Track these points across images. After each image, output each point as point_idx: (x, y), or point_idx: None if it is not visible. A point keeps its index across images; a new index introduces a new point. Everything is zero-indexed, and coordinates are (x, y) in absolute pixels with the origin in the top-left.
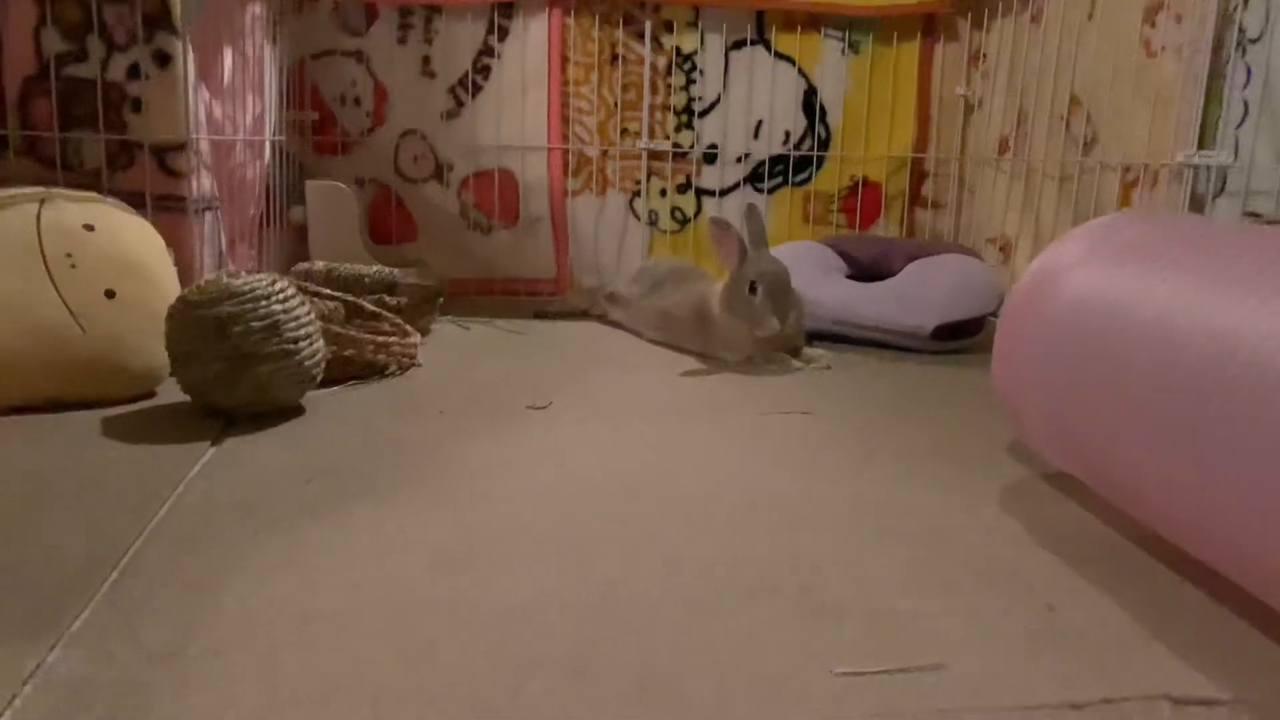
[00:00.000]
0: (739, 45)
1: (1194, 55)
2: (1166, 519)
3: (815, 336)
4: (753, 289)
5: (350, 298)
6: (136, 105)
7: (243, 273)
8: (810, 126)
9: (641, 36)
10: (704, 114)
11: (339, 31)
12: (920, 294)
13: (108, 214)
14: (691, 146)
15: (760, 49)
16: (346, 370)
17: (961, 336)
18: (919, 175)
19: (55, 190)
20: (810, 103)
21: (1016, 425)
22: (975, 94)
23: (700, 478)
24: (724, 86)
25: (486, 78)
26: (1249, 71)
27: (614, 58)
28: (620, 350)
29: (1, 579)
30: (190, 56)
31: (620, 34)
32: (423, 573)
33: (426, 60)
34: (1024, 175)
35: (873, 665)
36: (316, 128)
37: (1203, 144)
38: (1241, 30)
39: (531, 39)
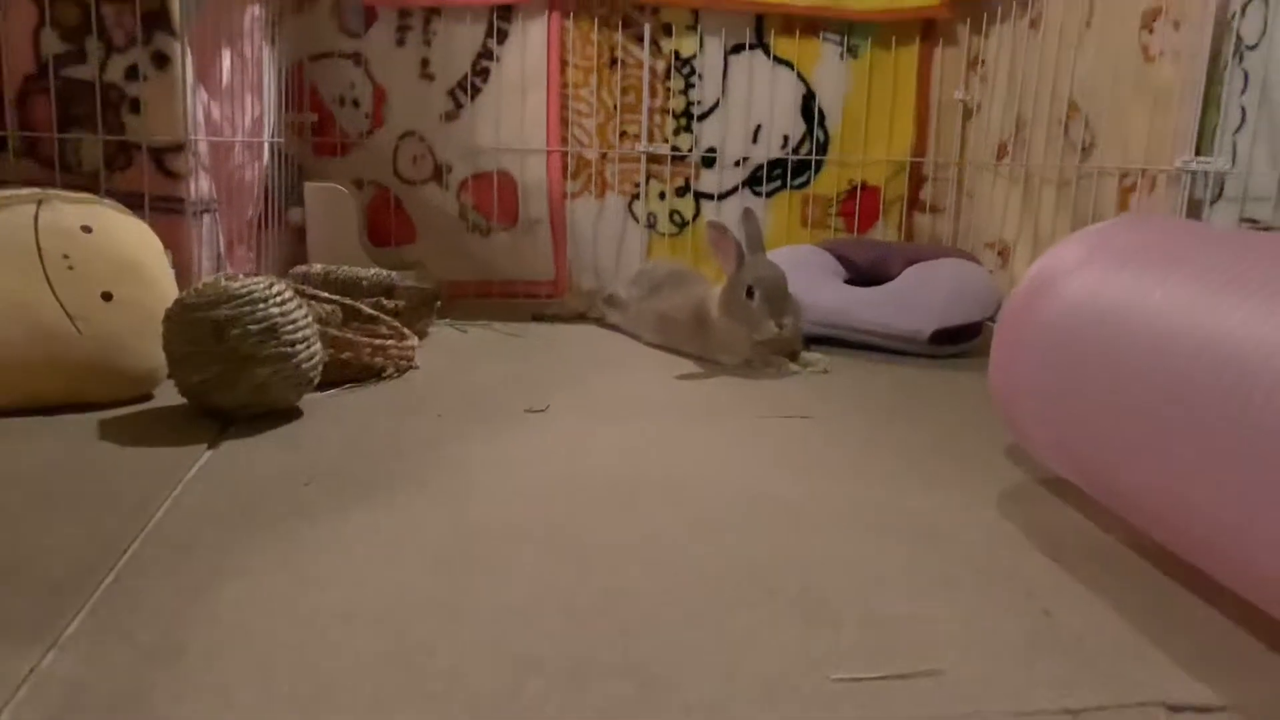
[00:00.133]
0: (738, 49)
1: (1192, 61)
2: (1163, 524)
3: (813, 340)
4: (750, 293)
5: (348, 300)
6: (135, 106)
7: (240, 275)
8: (809, 130)
9: (641, 40)
10: (703, 117)
11: (338, 33)
12: (918, 298)
13: (105, 215)
14: (690, 150)
15: (759, 53)
16: (344, 373)
17: (959, 341)
18: (917, 179)
19: (53, 191)
20: (809, 107)
21: (1014, 430)
22: (974, 99)
23: (698, 480)
24: (723, 90)
25: (485, 80)
26: (1246, 78)
27: (613, 61)
28: (618, 353)
29: None
30: (189, 58)
31: (619, 37)
32: (420, 574)
33: (425, 62)
34: (1023, 180)
35: (870, 671)
36: (315, 129)
37: (1200, 150)
38: (1239, 37)
39: (530, 42)
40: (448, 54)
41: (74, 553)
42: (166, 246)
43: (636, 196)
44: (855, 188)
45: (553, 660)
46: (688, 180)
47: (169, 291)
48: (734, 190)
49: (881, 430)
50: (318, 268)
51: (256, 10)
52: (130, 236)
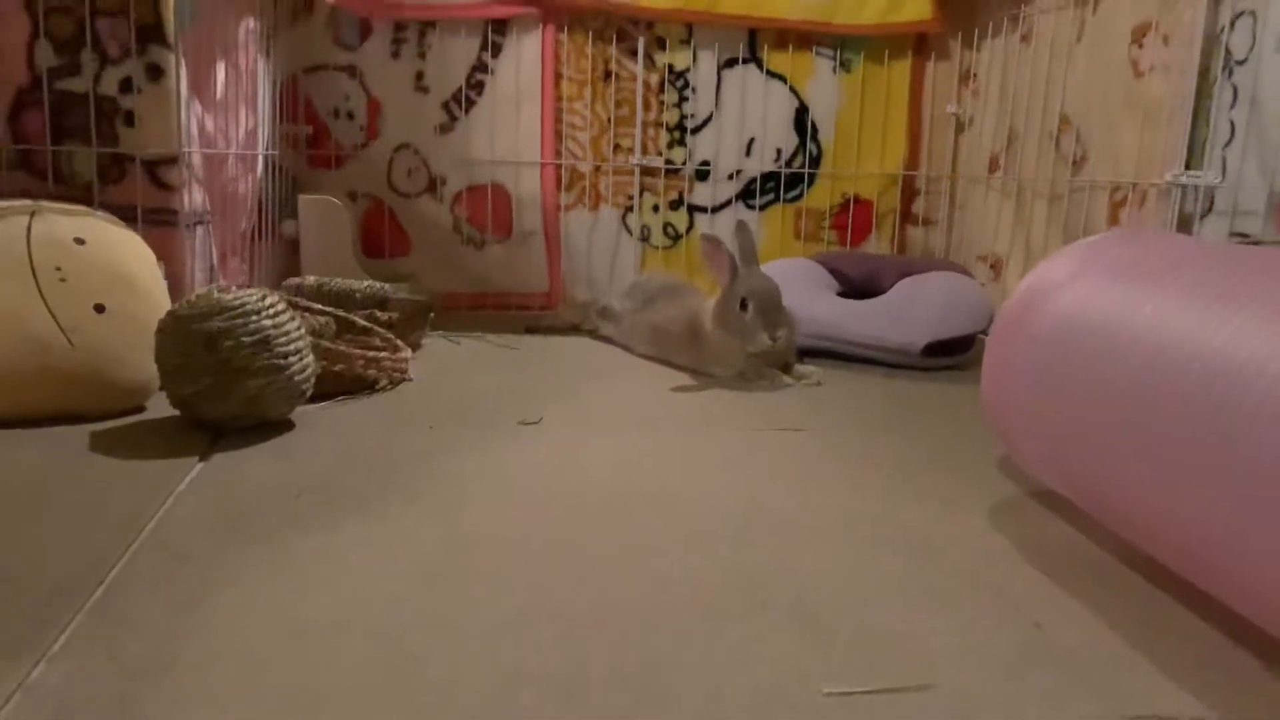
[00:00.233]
0: (731, 63)
1: (1181, 76)
2: (1154, 537)
3: (806, 353)
4: (744, 305)
5: (341, 313)
6: (129, 118)
7: (233, 287)
8: (802, 144)
9: (634, 54)
10: (696, 131)
11: (333, 46)
12: (911, 311)
13: (98, 228)
14: (684, 163)
15: (752, 67)
16: (337, 385)
17: (952, 354)
18: (910, 193)
19: (45, 203)
20: (802, 120)
21: (1006, 443)
22: (966, 112)
23: (692, 492)
24: (716, 104)
25: (480, 93)
26: (1235, 92)
27: (607, 74)
28: (612, 365)
29: None
30: (183, 70)
31: (613, 51)
32: (412, 586)
33: (420, 75)
34: (1015, 193)
35: (862, 684)
36: (310, 141)
37: (1190, 164)
38: (1228, 52)
39: (525, 55)
40: (442, 67)
41: (64, 565)
42: (159, 258)
43: (630, 209)
44: (848, 201)
45: (545, 672)
46: (681, 193)
47: (162, 303)
48: (727, 203)
49: (874, 443)
50: (311, 280)
51: (251, 23)
52: (123, 248)
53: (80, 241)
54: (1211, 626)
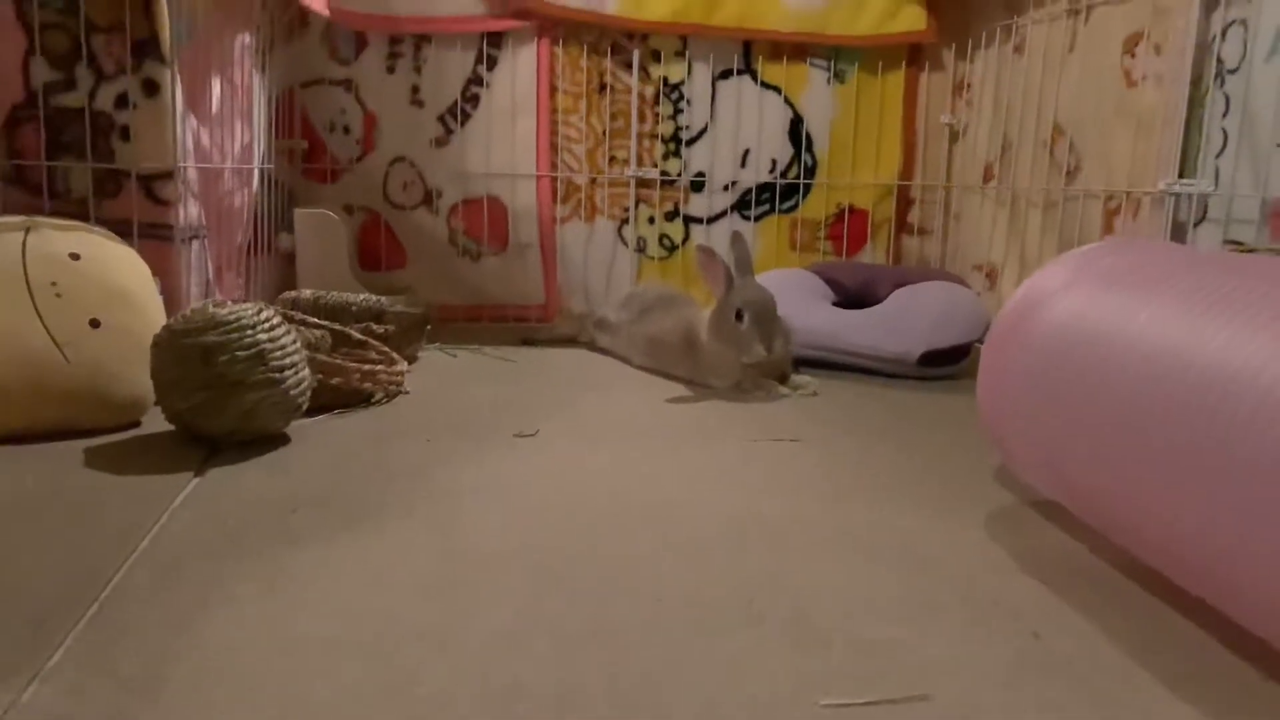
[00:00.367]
0: (726, 75)
1: (1174, 85)
2: (1150, 546)
3: (802, 363)
4: (739, 316)
5: (337, 326)
6: (124, 134)
7: (229, 302)
8: (796, 154)
9: (629, 66)
10: (691, 142)
11: (328, 60)
12: (907, 321)
13: (94, 243)
14: (679, 174)
15: (747, 78)
16: (333, 398)
17: (948, 363)
18: (905, 202)
19: (41, 219)
20: (796, 131)
21: (1002, 452)
22: (960, 122)
23: (688, 503)
24: (711, 115)
25: (475, 106)
26: (1228, 101)
27: (602, 87)
28: (608, 376)
29: None
30: (179, 85)
31: (608, 63)
32: (408, 601)
33: (416, 89)
34: (1009, 202)
35: (859, 696)
36: (306, 155)
37: (1184, 172)
38: (1220, 61)
39: (520, 68)
40: (438, 80)
41: (58, 582)
42: (155, 273)
43: (626, 221)
44: (843, 211)
45: (540, 687)
46: (677, 204)
47: (157, 318)
48: (723, 214)
49: (871, 453)
50: (307, 293)
51: (247, 38)
52: (118, 264)
53: (75, 257)
54: (1210, 636)
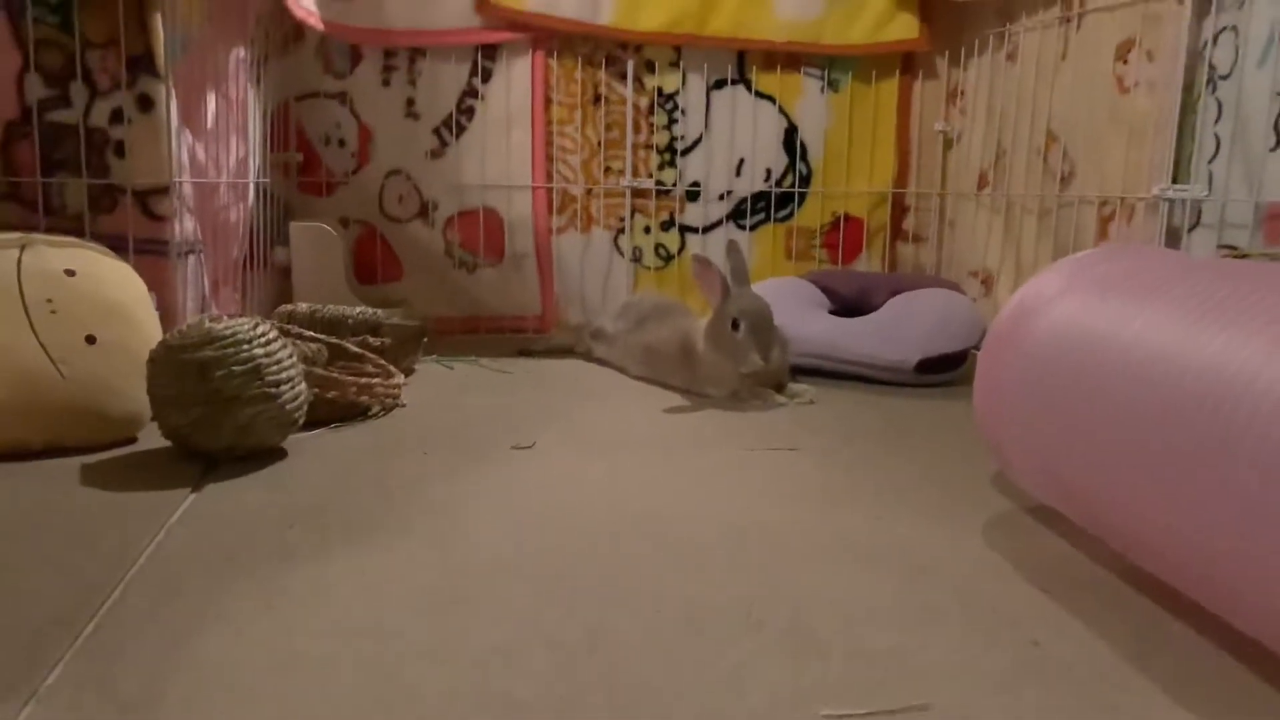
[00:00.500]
0: (720, 85)
1: (1166, 92)
2: (1148, 552)
3: (799, 372)
4: (736, 325)
5: (334, 339)
6: (119, 149)
7: (225, 317)
8: (791, 163)
9: (624, 77)
10: (686, 152)
11: (323, 74)
12: (903, 328)
13: (89, 259)
14: (674, 184)
15: (741, 88)
16: (330, 412)
17: (945, 370)
18: (900, 210)
19: (36, 235)
20: (791, 140)
21: (999, 459)
22: (954, 130)
23: (686, 514)
24: (706, 125)
25: (470, 118)
26: (1220, 107)
27: (597, 98)
28: (605, 386)
29: None
30: (173, 100)
31: (603, 74)
32: (406, 616)
33: (410, 101)
34: (1004, 209)
35: (859, 705)
36: (301, 169)
37: (1177, 178)
38: (1212, 67)
39: (515, 80)
40: (433, 93)
41: (54, 601)
42: (151, 288)
43: (622, 231)
44: (838, 219)
45: (540, 700)
46: (672, 214)
47: (153, 334)
48: (718, 223)
49: (868, 460)
50: (303, 306)
51: (241, 52)
52: (114, 279)
53: (71, 273)
54: (1209, 641)
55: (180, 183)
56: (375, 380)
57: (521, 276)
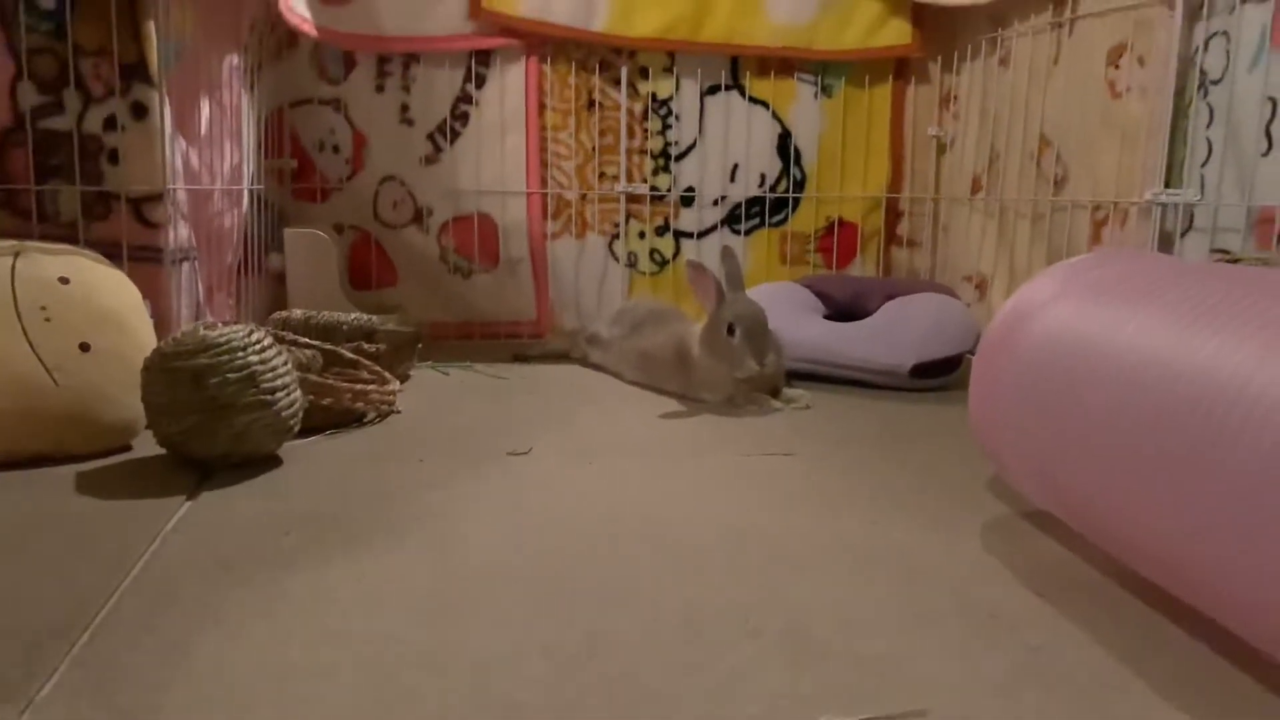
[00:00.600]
0: (714, 90)
1: (1158, 97)
2: (1143, 556)
3: (794, 376)
4: (731, 331)
5: (328, 346)
6: (113, 156)
7: (219, 324)
8: (785, 169)
9: (618, 83)
10: (680, 158)
11: (317, 80)
12: (898, 333)
13: (83, 266)
14: (669, 190)
15: (735, 94)
16: (325, 419)
17: (939, 374)
18: (894, 214)
19: (30, 243)
20: (785, 145)
21: (995, 463)
22: (947, 134)
23: (682, 519)
24: (700, 131)
25: (465, 124)
26: (1211, 112)
27: (591, 104)
28: (600, 392)
29: None
30: (167, 107)
31: (597, 80)
32: (403, 624)
33: (405, 107)
34: (997, 213)
35: (857, 711)
36: (295, 175)
37: (1170, 182)
38: (1203, 72)
39: (509, 86)
40: (427, 99)
41: (50, 610)
42: (145, 296)
43: (616, 236)
44: (833, 224)
45: (538, 707)
46: (667, 219)
47: (148, 341)
48: (713, 229)
49: (864, 465)
50: (298, 313)
51: (235, 58)
52: (108, 286)
53: (65, 280)
54: (1205, 645)
55: (174, 189)
56: (370, 387)
57: (516, 282)
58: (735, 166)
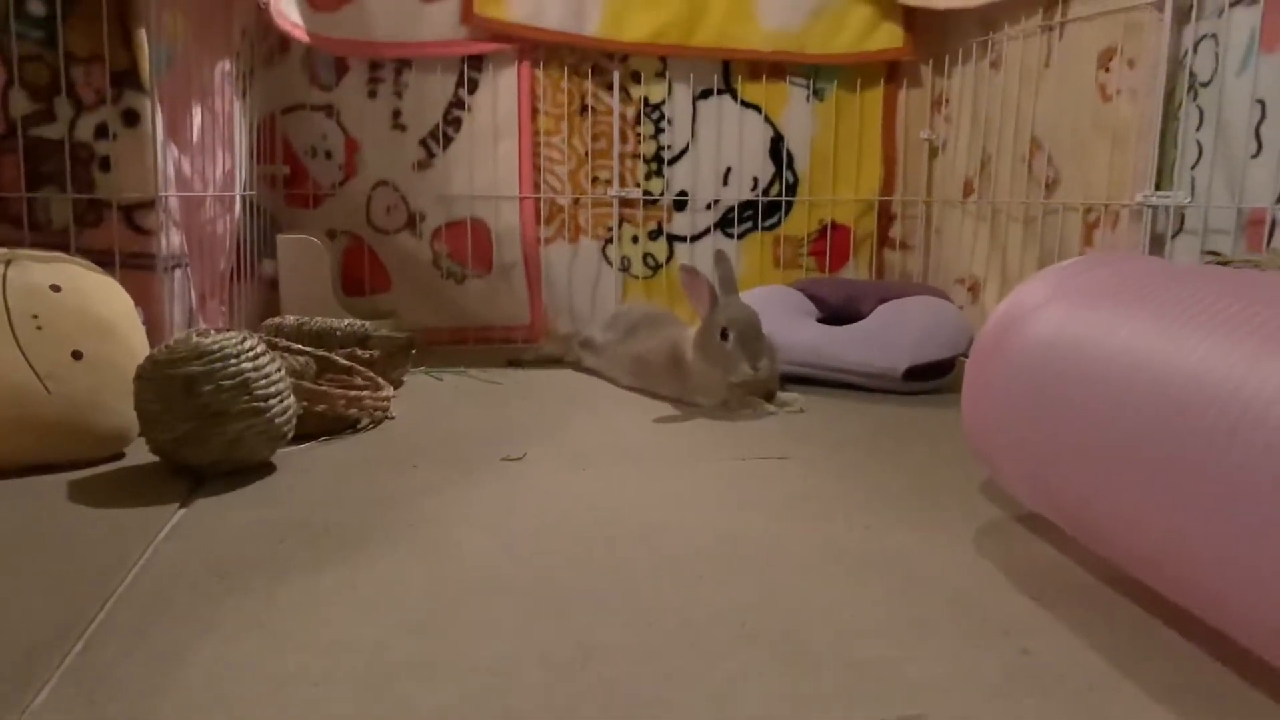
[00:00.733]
0: (706, 94)
1: (1148, 99)
2: (1136, 559)
3: (788, 380)
4: (724, 335)
5: (322, 352)
6: (105, 164)
7: (212, 331)
8: (778, 172)
9: (610, 87)
10: (673, 162)
11: (309, 86)
12: (891, 336)
13: (75, 274)
14: (662, 194)
15: (727, 98)
16: (319, 425)
17: (933, 377)
18: (887, 217)
19: (21, 251)
20: (777, 149)
21: (988, 467)
22: (939, 137)
23: (677, 525)
24: (692, 135)
25: (457, 129)
26: (1201, 114)
27: (583, 108)
28: (595, 397)
29: None
30: (159, 114)
31: (589, 85)
32: (397, 632)
33: (397, 113)
34: (989, 216)
35: (853, 716)
36: (288, 181)
37: (1160, 185)
38: (1193, 75)
39: (501, 91)
40: (419, 104)
41: (42, 620)
42: (137, 303)
43: (610, 240)
44: (825, 227)
45: (533, 714)
46: (660, 223)
47: (140, 349)
48: (706, 232)
49: (858, 469)
50: (291, 319)
51: (227, 65)
52: (100, 294)
53: (56, 288)
54: (1198, 648)
55: (166, 196)
56: (364, 393)
57: (510, 287)
58: (728, 170)
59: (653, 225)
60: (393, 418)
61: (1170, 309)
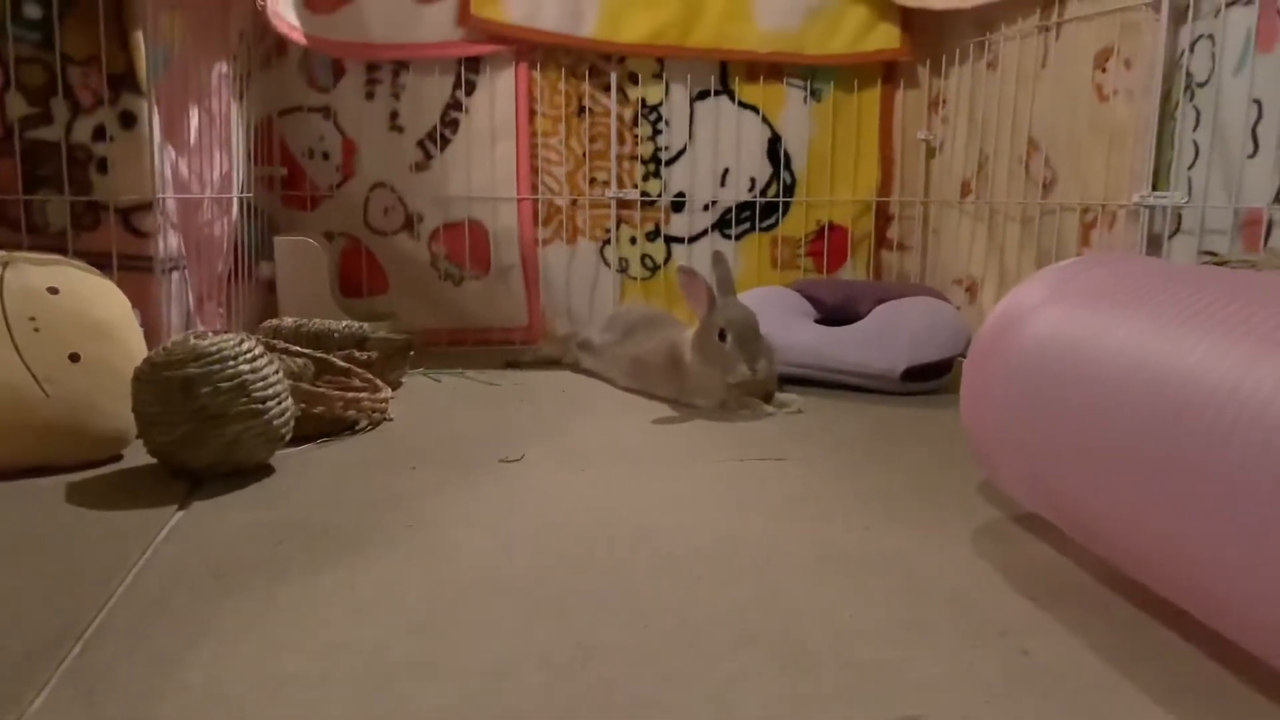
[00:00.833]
0: (703, 95)
1: (1144, 100)
2: (1134, 560)
3: (786, 381)
4: (723, 336)
5: (320, 354)
6: (102, 166)
7: (210, 333)
8: (775, 173)
9: (608, 88)
10: (671, 163)
11: (307, 88)
12: (889, 336)
13: (72, 276)
14: (659, 195)
15: (724, 99)
16: (317, 427)
17: (931, 378)
18: (884, 218)
19: (19, 254)
20: (775, 150)
21: (986, 467)
22: (937, 138)
23: (675, 526)
24: (690, 136)
25: (455, 131)
26: (1198, 114)
27: (581, 109)
28: (593, 398)
29: None
30: (156, 116)
31: (587, 86)
32: (396, 633)
33: (394, 114)
34: (987, 216)
35: (853, 716)
36: (285, 183)
37: (1157, 185)
38: (1189, 75)
39: (499, 92)
40: (417, 106)
41: (41, 622)
42: (135, 305)
43: (608, 242)
44: (823, 228)
45: (532, 716)
46: (658, 225)
47: (138, 351)
48: (704, 233)
49: (857, 470)
50: (289, 321)
51: (224, 67)
52: (97, 296)
53: (54, 291)
54: (1197, 649)
55: (164, 199)
56: (362, 394)
57: (508, 288)
58: (725, 171)
59: (650, 226)
60: (391, 419)
61: (1167, 309)
